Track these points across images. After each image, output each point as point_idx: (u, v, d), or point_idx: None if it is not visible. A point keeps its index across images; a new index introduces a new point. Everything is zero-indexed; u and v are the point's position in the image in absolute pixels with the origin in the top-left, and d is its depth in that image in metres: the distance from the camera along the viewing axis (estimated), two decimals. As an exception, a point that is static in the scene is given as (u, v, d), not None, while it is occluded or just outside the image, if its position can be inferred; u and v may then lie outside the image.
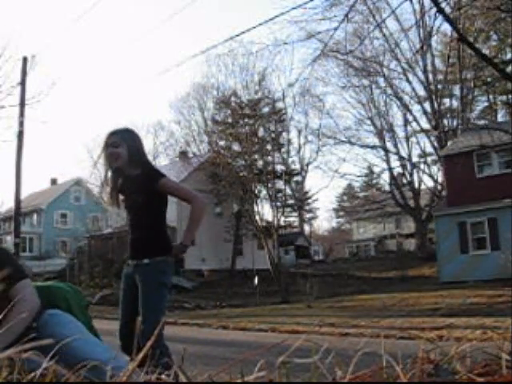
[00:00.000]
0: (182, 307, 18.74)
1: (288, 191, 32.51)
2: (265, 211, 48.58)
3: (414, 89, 30.02)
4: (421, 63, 28.99)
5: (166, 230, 3.44)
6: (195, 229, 3.35)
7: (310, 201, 45.53)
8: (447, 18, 10.36)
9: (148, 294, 3.14)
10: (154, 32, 79.45)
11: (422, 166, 32.79)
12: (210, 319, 13.17)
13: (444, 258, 19.47)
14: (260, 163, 28.24)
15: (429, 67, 29.19)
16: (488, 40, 23.65)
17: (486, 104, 31.86)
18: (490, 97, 31.24)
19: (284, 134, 30.08)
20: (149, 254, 3.23)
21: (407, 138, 31.96)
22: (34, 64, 17.28)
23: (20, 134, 16.34)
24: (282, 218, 28.32)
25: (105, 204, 3.74)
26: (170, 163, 38.58)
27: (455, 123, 29.19)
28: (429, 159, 32.43)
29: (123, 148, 3.31)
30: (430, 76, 29.33)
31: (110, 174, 3.44)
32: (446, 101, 30.80)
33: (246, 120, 28.66)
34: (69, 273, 27.03)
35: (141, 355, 1.05)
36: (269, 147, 28.01)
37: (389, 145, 32.00)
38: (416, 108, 33.35)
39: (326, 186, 34.81)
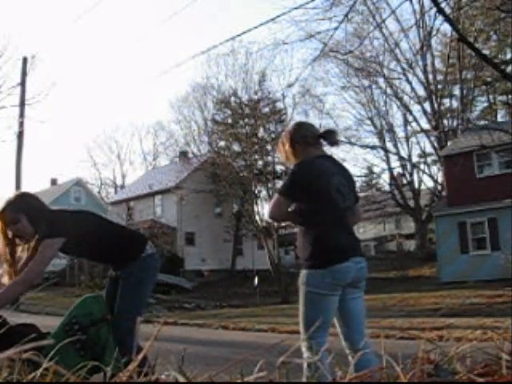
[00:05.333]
0: (182, 307, 18.75)
1: (288, 191, 32.43)
2: (265, 211, 48.50)
3: (413, 89, 30.00)
4: (421, 63, 28.96)
5: None
6: None
7: (310, 201, 45.47)
8: (447, 18, 10.35)
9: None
10: (155, 32, 79.46)
11: (421, 166, 32.76)
12: (210, 319, 13.16)
13: (444, 258, 19.46)
14: (260, 163, 28.25)
15: (429, 67, 29.16)
16: (488, 40, 23.63)
17: (486, 104, 31.82)
18: (490, 97, 31.21)
19: (284, 134, 30.05)
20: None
21: (407, 138, 31.92)
22: (33, 64, 17.33)
23: (20, 134, 16.36)
24: (282, 218, 28.25)
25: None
26: (170, 163, 38.59)
27: (455, 123, 29.16)
28: (429, 159, 32.41)
29: None
30: (430, 76, 29.30)
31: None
32: (446, 101, 30.78)
33: (246, 120, 28.66)
34: (69, 273, 26.98)
35: (141, 355, 1.05)
36: (269, 147, 28.00)
37: (389, 145, 31.95)
38: (416, 108, 33.34)
39: (326, 186, 34.74)
